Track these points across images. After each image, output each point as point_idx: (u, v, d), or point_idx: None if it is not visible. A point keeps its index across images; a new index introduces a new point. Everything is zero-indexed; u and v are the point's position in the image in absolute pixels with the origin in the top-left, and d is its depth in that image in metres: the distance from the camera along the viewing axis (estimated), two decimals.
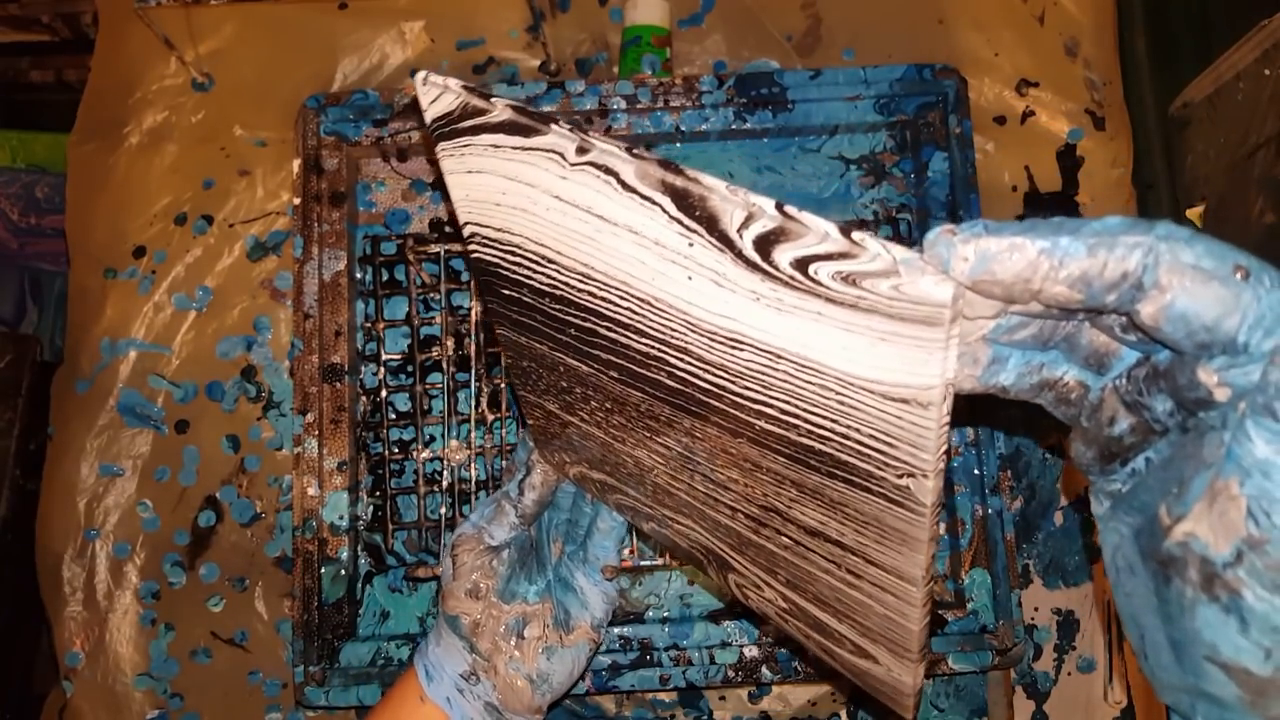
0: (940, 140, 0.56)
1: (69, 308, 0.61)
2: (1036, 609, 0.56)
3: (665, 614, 0.55)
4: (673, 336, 0.29)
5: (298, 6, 0.62)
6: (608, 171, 0.26)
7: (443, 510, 0.54)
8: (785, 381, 0.27)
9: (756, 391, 0.28)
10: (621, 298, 0.30)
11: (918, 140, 0.57)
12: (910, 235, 0.58)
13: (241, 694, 0.56)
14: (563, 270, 0.31)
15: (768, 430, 0.30)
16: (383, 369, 0.56)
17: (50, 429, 0.60)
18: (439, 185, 0.59)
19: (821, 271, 0.23)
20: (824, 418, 0.27)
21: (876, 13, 0.61)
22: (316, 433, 0.53)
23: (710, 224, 0.25)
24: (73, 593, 0.57)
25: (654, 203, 0.26)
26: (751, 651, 0.51)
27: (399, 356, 0.57)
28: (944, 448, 0.25)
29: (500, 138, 0.28)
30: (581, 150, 0.27)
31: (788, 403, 0.28)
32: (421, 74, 0.29)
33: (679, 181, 0.25)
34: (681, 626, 0.52)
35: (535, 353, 0.37)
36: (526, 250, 0.31)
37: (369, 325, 0.57)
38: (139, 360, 0.59)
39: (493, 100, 0.28)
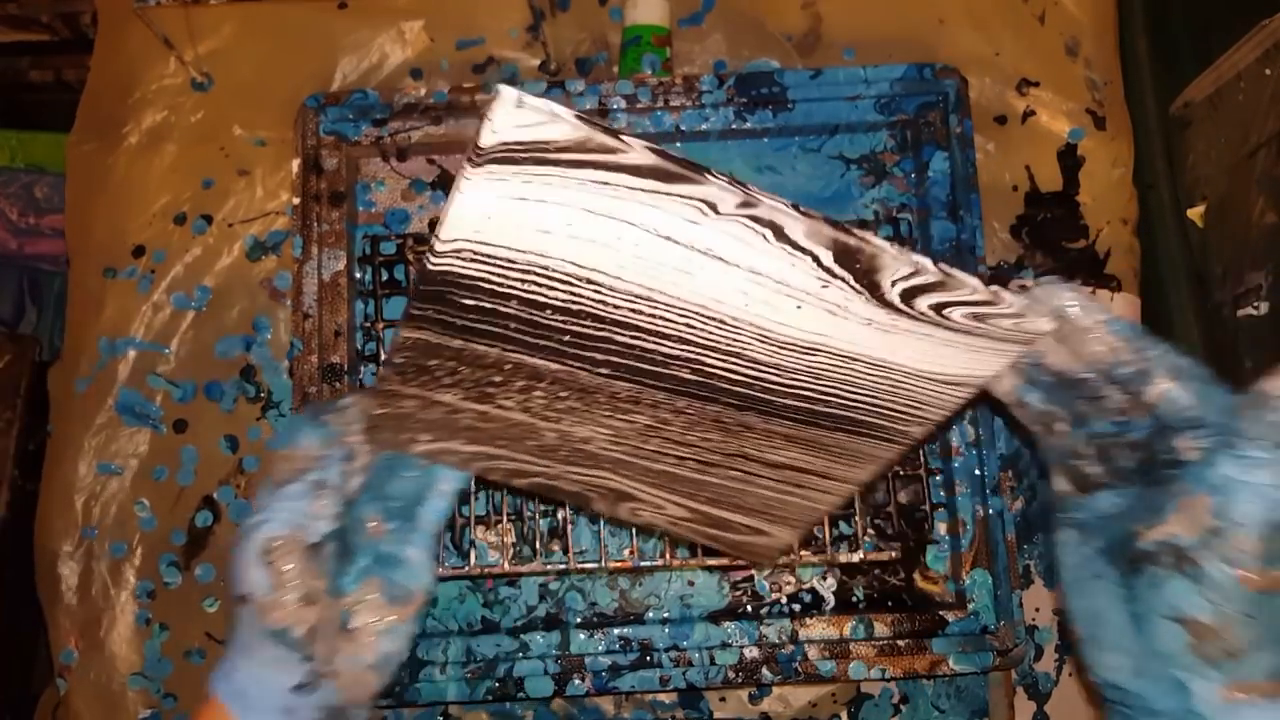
0: (941, 140, 0.56)
1: (68, 307, 0.61)
2: (1038, 609, 0.56)
3: (665, 615, 0.54)
4: (728, 344, 0.31)
5: (297, 6, 0.62)
6: (769, 226, 0.26)
7: None
8: (844, 374, 0.32)
9: (805, 381, 0.32)
10: (680, 316, 0.30)
11: (918, 140, 0.57)
12: (911, 235, 0.58)
13: None
14: (604, 291, 0.29)
15: (791, 405, 0.33)
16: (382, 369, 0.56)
17: (49, 427, 0.60)
18: (438, 185, 0.59)
19: (956, 312, 0.29)
20: (867, 394, 0.32)
21: (877, 12, 0.61)
22: None
23: (866, 274, 0.28)
24: (69, 591, 0.57)
25: (809, 253, 0.27)
26: (752, 652, 0.51)
27: None
28: None
29: (621, 178, 0.25)
30: (745, 205, 0.26)
31: (835, 387, 0.32)
32: (511, 93, 0.23)
33: (851, 241, 0.26)
34: (681, 627, 0.52)
35: (470, 354, 0.33)
36: (554, 272, 0.28)
37: (368, 325, 0.57)
38: (138, 360, 0.59)
39: (625, 139, 0.24)
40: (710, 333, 0.30)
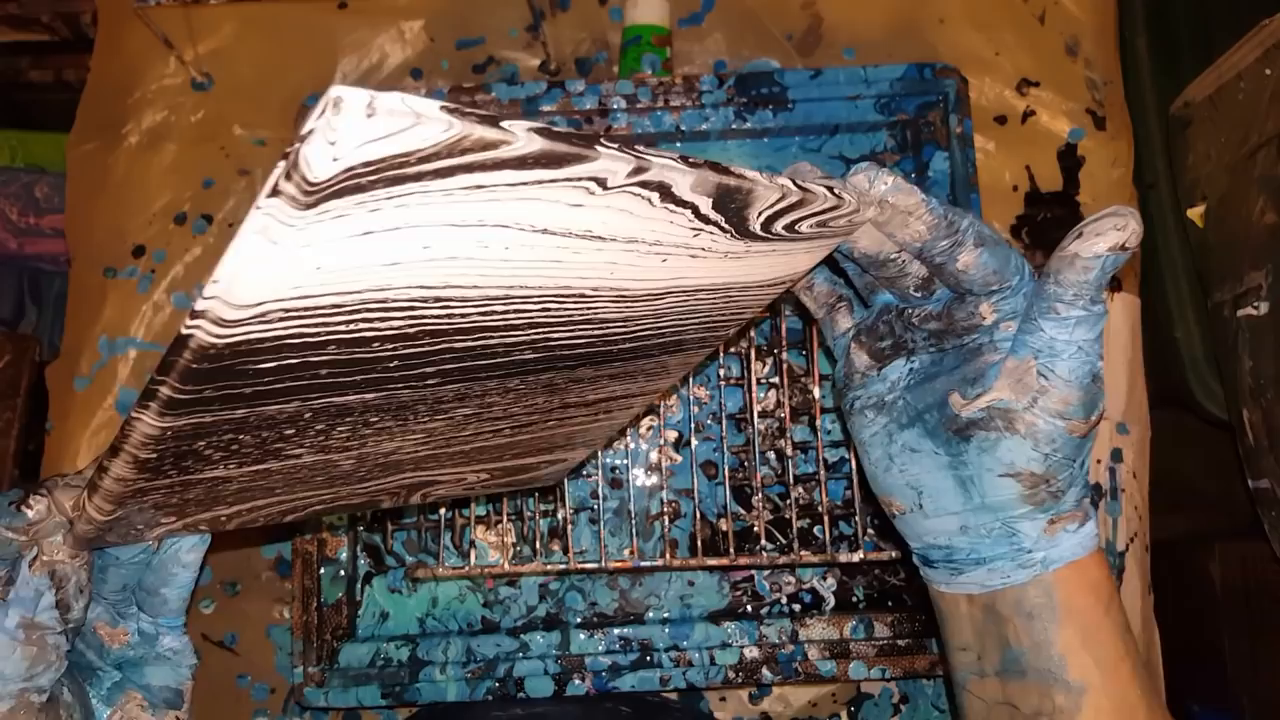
0: (941, 140, 0.56)
1: (68, 306, 0.61)
2: None
3: (665, 614, 0.54)
4: (581, 315, 0.27)
5: (297, 6, 0.62)
6: (657, 188, 0.22)
7: (441, 509, 0.54)
8: (687, 306, 0.30)
9: (647, 325, 0.30)
10: (538, 304, 0.25)
11: (918, 140, 0.57)
12: None
13: (229, 697, 0.56)
14: (454, 305, 0.23)
15: (627, 349, 0.31)
16: None
17: (48, 425, 0.60)
18: None
19: (804, 224, 0.28)
20: (701, 317, 0.32)
21: (877, 12, 0.61)
22: None
23: (738, 212, 0.25)
24: None
25: (689, 205, 0.24)
26: (752, 652, 0.51)
27: None
28: None
29: (503, 175, 0.19)
30: (638, 171, 0.21)
31: (674, 321, 0.31)
32: (357, 98, 0.16)
33: (731, 182, 0.24)
34: (681, 627, 0.52)
35: (256, 419, 0.26)
36: (394, 302, 0.22)
37: None
38: (138, 359, 0.59)
39: (507, 127, 0.18)
40: (566, 309, 0.26)
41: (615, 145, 0.21)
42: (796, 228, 0.28)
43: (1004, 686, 0.33)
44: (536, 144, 0.19)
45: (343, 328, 0.22)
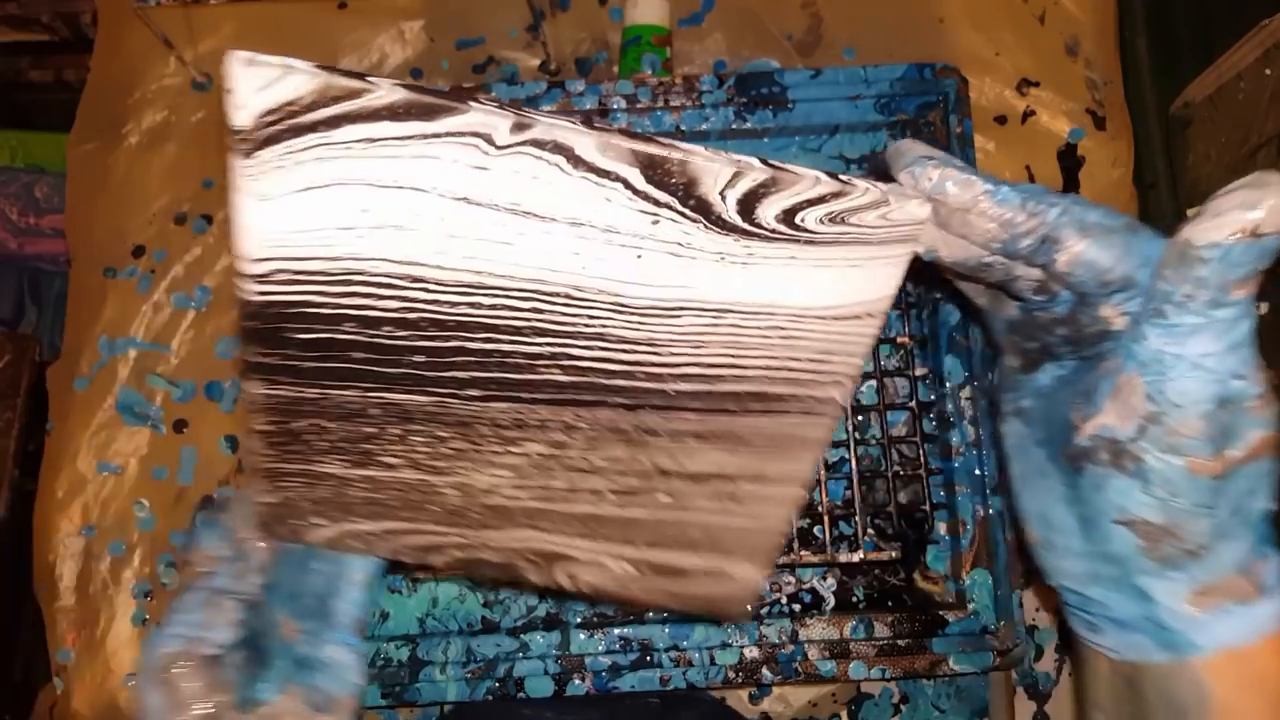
0: (941, 140, 0.56)
1: (68, 306, 0.61)
2: (1038, 609, 0.56)
3: (665, 614, 0.54)
4: (587, 326, 0.27)
5: (297, 6, 0.62)
6: (556, 149, 0.23)
7: None
8: (725, 335, 0.27)
9: (684, 355, 0.28)
10: (524, 300, 0.26)
11: (918, 140, 0.57)
12: None
13: None
14: (433, 288, 0.26)
15: (684, 391, 0.29)
16: None
17: (49, 425, 0.60)
18: None
19: (809, 218, 0.25)
20: (759, 354, 0.28)
21: (877, 12, 0.61)
22: None
23: (688, 191, 0.24)
24: (67, 590, 0.57)
25: (616, 178, 0.23)
26: (752, 652, 0.51)
27: None
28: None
29: (383, 127, 0.22)
30: (520, 127, 0.22)
31: (719, 355, 0.28)
32: (240, 54, 0.22)
33: (652, 149, 0.23)
34: (681, 627, 0.52)
35: (331, 403, 0.30)
36: (373, 276, 0.25)
37: None
38: (138, 359, 0.59)
39: (371, 79, 0.22)
40: (562, 314, 0.26)
41: (493, 101, 0.22)
42: (799, 221, 0.25)
43: None
44: (400, 94, 0.22)
45: (345, 301, 0.26)
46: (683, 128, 0.56)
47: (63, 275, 0.79)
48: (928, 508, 0.54)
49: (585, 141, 0.23)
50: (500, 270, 0.25)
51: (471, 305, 0.26)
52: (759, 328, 0.27)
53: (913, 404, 0.55)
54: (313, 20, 0.62)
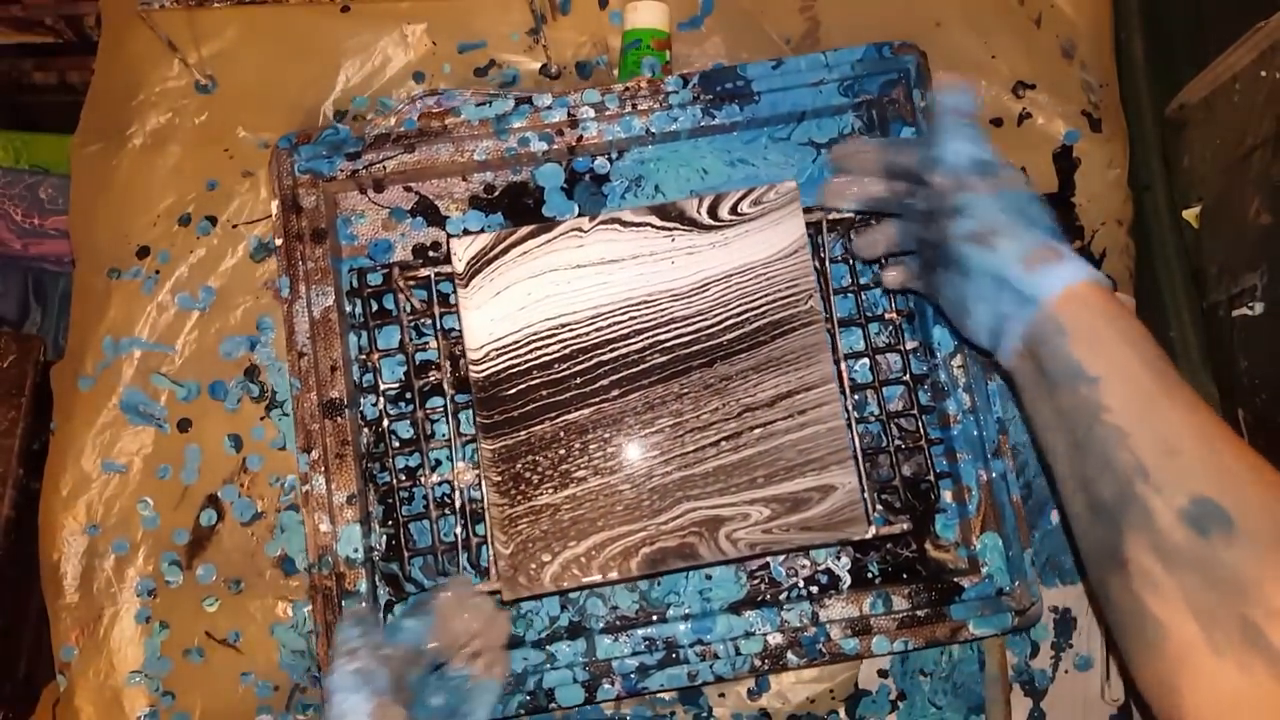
0: (907, 116, 0.56)
1: (73, 306, 0.61)
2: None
3: (686, 611, 0.54)
4: (660, 316, 0.49)
5: (300, 9, 0.62)
6: (614, 221, 0.50)
7: (457, 531, 0.54)
8: (736, 291, 0.50)
9: (721, 312, 0.50)
10: (623, 313, 0.49)
11: (884, 118, 0.57)
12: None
13: (233, 695, 0.56)
14: (574, 327, 0.49)
15: (732, 339, 0.49)
16: (382, 399, 0.56)
17: (52, 424, 0.60)
18: (418, 211, 0.58)
19: (742, 206, 0.51)
20: (760, 297, 0.50)
21: (873, 15, 0.61)
22: (323, 469, 0.53)
23: (681, 216, 0.51)
24: (71, 588, 0.57)
25: (644, 225, 0.50)
26: (775, 639, 0.51)
27: (397, 385, 0.56)
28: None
29: (528, 244, 0.49)
30: (593, 218, 0.50)
31: (740, 305, 0.50)
32: (462, 241, 0.49)
33: (663, 205, 0.51)
34: (704, 621, 0.52)
35: (535, 439, 0.48)
36: (540, 332, 0.49)
37: (364, 357, 0.56)
38: (142, 359, 0.60)
39: (513, 228, 0.50)
40: (646, 314, 0.49)
41: (572, 215, 0.48)
42: (739, 210, 0.50)
43: (1054, 400, 0.41)
44: (529, 227, 0.49)
45: (529, 355, 0.49)
46: (652, 130, 0.56)
47: (67, 276, 0.80)
48: (932, 478, 0.55)
49: (625, 214, 0.50)
50: (605, 300, 0.49)
51: (596, 330, 0.49)
52: (750, 279, 0.50)
53: (906, 378, 0.55)
54: (316, 23, 0.62)
